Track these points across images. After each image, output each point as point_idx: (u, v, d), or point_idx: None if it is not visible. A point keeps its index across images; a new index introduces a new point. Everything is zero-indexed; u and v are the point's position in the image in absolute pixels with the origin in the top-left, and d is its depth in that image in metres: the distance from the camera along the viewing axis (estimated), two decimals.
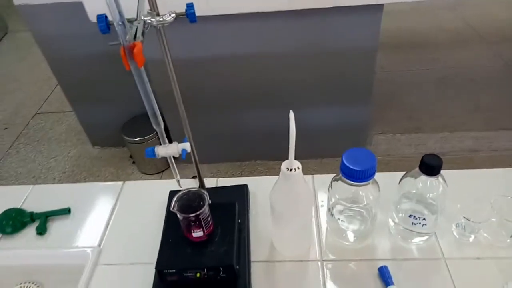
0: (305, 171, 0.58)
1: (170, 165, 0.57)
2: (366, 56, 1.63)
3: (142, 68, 0.45)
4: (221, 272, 0.61)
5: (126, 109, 2.03)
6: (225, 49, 1.60)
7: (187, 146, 0.54)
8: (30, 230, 0.76)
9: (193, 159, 0.66)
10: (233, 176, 1.93)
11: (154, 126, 0.52)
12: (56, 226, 0.77)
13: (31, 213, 0.77)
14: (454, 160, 1.85)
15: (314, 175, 0.82)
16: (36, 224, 0.76)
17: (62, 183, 2.02)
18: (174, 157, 0.57)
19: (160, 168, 2.03)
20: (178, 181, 0.59)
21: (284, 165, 0.57)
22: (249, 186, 0.80)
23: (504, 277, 0.61)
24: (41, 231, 0.75)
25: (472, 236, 0.66)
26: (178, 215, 0.60)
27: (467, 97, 2.28)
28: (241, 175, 1.92)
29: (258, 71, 1.67)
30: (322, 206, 0.75)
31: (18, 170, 2.13)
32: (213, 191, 0.77)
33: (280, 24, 1.52)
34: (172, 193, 0.78)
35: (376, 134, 2.03)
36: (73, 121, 2.40)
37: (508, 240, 0.65)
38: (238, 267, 0.62)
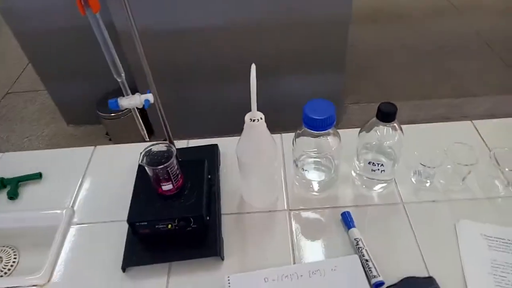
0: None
1: (135, 117, 0.58)
2: (340, 25, 1.64)
3: (98, 15, 0.45)
4: (192, 223, 0.63)
5: (100, 84, 2.00)
6: (196, 21, 1.59)
7: (149, 96, 0.56)
8: (1, 196, 0.76)
9: (160, 115, 0.67)
10: None
11: (115, 76, 0.53)
12: (27, 191, 0.77)
13: (1, 179, 0.77)
14: None
15: (283, 133, 0.84)
16: (7, 189, 0.76)
17: None
18: (138, 109, 0.58)
19: None
20: (144, 135, 0.61)
21: (248, 116, 0.59)
22: (219, 146, 0.82)
23: (456, 217, 0.66)
24: (13, 195, 0.75)
25: (428, 182, 0.70)
26: (147, 168, 0.61)
27: (437, 66, 2.34)
28: None
29: (230, 42, 1.67)
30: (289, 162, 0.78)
31: None
32: (183, 151, 0.79)
33: None
34: None
35: (350, 104, 2.07)
36: (46, 100, 2.36)
37: (461, 184, 0.70)
38: (208, 218, 0.65)
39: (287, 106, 1.81)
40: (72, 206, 0.74)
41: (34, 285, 0.63)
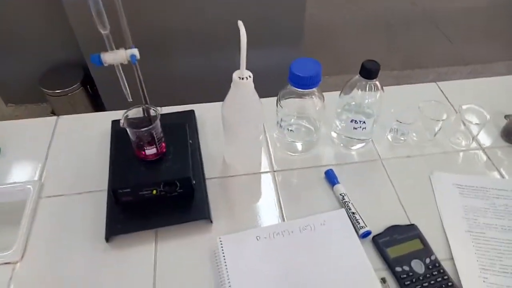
0: None
1: (118, 74, 0.54)
2: None
3: None
4: (178, 187, 0.61)
5: (43, 59, 1.85)
6: None
7: (135, 52, 0.52)
8: None
9: (137, 76, 0.63)
10: None
11: (100, 28, 0.48)
12: None
13: None
14: None
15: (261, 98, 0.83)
16: None
17: None
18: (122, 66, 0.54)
19: None
20: (128, 94, 0.57)
21: (236, 74, 0.57)
22: (195, 113, 0.79)
23: (429, 169, 0.70)
24: None
25: (403, 138, 0.74)
26: (129, 132, 0.58)
27: (387, 40, 2.44)
28: None
29: (189, 12, 1.61)
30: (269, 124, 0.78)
31: None
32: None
33: None
34: (115, 122, 0.76)
35: None
36: None
37: (432, 139, 0.74)
38: (194, 182, 0.63)
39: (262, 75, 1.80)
40: (40, 179, 0.68)
41: (6, 263, 0.58)
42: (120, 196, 0.60)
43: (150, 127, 0.57)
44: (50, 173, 0.69)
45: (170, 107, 0.81)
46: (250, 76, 0.57)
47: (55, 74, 1.83)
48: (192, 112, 0.78)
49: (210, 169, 0.70)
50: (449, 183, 0.68)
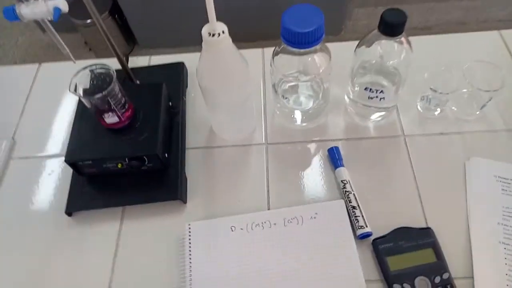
0: None
1: (47, 30, 0.44)
2: None
3: None
4: (146, 162, 0.52)
5: None
6: None
7: (60, 3, 0.40)
8: None
9: (98, 25, 0.52)
10: None
11: None
12: None
13: None
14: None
15: (265, 48, 0.69)
16: None
17: None
18: (50, 21, 0.43)
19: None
20: (68, 54, 0.47)
21: (205, 29, 0.44)
22: (187, 65, 0.67)
23: (467, 153, 0.54)
24: None
25: (438, 110, 0.58)
26: (82, 99, 0.49)
27: None
28: None
29: None
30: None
31: None
32: (142, 71, 0.65)
33: None
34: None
35: (356, 8, 1.83)
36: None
37: (478, 112, 0.57)
38: (166, 155, 0.54)
39: (272, 10, 1.58)
40: (13, 137, 0.63)
41: None
42: (82, 168, 0.53)
43: (104, 93, 0.47)
44: (25, 131, 0.64)
45: (161, 56, 0.69)
46: (223, 32, 0.44)
47: (83, 2, 1.75)
48: (181, 64, 0.66)
49: (195, 137, 0.60)
50: (490, 174, 0.52)
